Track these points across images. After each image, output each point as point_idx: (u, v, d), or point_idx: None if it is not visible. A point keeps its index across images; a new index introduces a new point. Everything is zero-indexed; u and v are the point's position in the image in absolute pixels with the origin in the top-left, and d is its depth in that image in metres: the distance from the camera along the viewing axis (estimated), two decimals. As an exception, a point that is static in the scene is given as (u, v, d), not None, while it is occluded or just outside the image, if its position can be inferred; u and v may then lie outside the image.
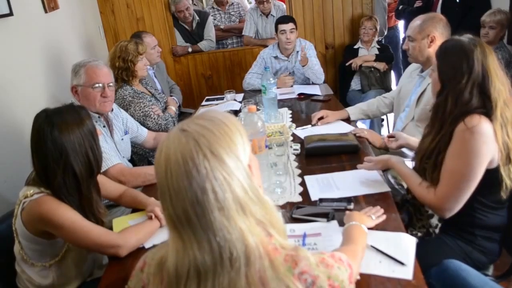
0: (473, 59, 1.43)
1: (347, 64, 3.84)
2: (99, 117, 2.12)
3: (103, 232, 1.46)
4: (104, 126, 2.15)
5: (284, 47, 3.34)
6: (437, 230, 1.60)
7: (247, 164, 0.85)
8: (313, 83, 3.36)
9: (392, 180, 2.06)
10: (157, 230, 1.57)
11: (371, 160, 1.76)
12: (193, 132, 0.82)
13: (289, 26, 3.24)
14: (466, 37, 1.51)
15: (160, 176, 0.82)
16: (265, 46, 3.75)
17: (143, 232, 1.53)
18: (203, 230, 0.80)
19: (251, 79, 3.42)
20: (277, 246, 0.85)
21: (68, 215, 1.43)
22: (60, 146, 1.44)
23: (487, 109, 1.42)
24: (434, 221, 1.61)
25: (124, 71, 2.69)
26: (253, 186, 0.84)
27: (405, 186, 1.73)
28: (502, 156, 1.43)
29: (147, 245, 1.50)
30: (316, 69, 3.29)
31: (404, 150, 2.09)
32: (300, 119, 2.67)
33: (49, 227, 1.44)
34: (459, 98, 1.44)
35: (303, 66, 3.25)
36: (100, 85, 2.06)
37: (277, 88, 2.83)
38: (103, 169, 1.94)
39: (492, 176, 1.45)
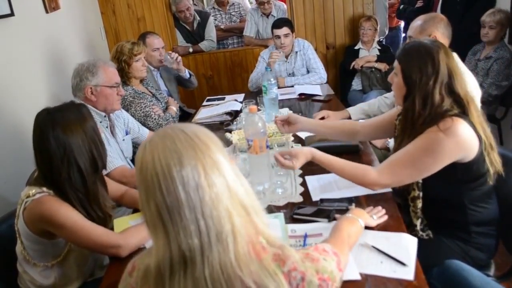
0: (438, 60, 1.45)
1: (351, 68, 3.84)
2: (104, 116, 2.13)
3: (104, 232, 1.46)
4: (107, 127, 2.16)
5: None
6: (423, 233, 1.59)
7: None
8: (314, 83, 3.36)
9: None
10: None
11: (290, 154, 1.59)
12: (177, 126, 0.88)
13: (283, 31, 3.25)
14: (427, 40, 1.54)
15: (145, 167, 0.83)
16: (266, 46, 3.76)
17: (144, 232, 1.51)
18: (191, 210, 0.81)
19: (256, 78, 3.39)
20: (264, 245, 0.86)
21: (69, 215, 1.43)
22: (63, 144, 1.44)
23: (461, 107, 1.45)
24: (417, 222, 1.60)
25: (119, 72, 2.69)
26: (237, 172, 0.88)
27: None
28: (486, 145, 1.45)
29: (147, 245, 1.50)
30: (312, 79, 3.33)
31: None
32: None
33: (50, 227, 1.44)
34: (428, 99, 1.46)
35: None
36: (118, 83, 2.13)
37: (276, 86, 2.86)
38: (105, 172, 1.95)
39: (474, 169, 1.46)
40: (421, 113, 1.47)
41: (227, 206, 0.83)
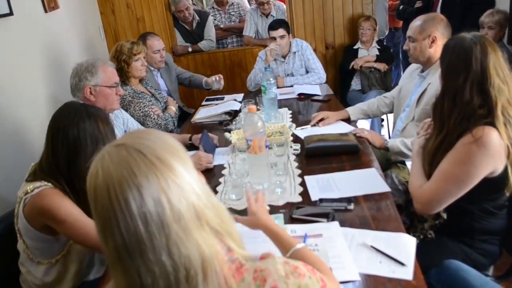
0: (471, 58, 1.42)
1: (350, 68, 3.84)
2: None
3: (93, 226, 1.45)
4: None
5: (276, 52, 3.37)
6: (431, 233, 1.58)
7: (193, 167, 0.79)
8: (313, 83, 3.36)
9: (396, 180, 2.06)
10: None
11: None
12: (132, 143, 0.74)
13: (278, 32, 3.26)
14: (469, 35, 1.49)
15: (100, 201, 0.72)
16: (265, 46, 3.74)
17: None
18: (156, 252, 0.71)
19: (255, 75, 3.39)
20: (241, 261, 0.79)
21: (71, 211, 1.42)
22: (96, 137, 1.44)
23: (488, 107, 1.40)
24: (426, 225, 1.60)
25: (118, 71, 2.69)
26: (206, 190, 0.78)
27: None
28: (510, 154, 1.40)
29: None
30: (311, 79, 3.33)
31: (404, 150, 2.09)
32: (300, 119, 2.67)
33: (51, 221, 1.42)
34: (457, 97, 1.43)
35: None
36: (117, 83, 2.12)
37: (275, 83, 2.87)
38: None
39: (496, 183, 1.43)
40: (451, 110, 1.44)
41: (196, 238, 0.73)
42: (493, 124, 1.38)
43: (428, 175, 1.53)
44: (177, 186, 0.73)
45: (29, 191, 1.43)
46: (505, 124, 1.40)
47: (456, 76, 1.43)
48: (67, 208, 1.41)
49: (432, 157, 1.53)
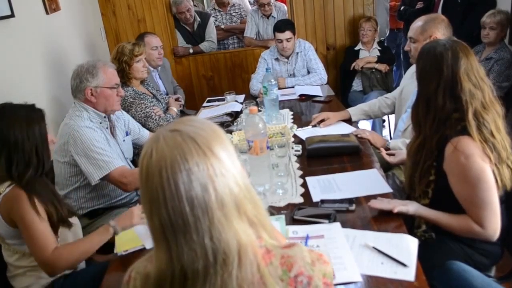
0: (442, 64, 1.44)
1: (351, 69, 3.85)
2: (104, 117, 2.13)
3: (44, 244, 1.50)
4: (107, 128, 2.16)
5: (281, 53, 3.38)
6: (433, 234, 1.58)
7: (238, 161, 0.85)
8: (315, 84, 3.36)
9: (397, 181, 2.06)
10: (99, 245, 1.60)
11: (390, 203, 1.55)
12: (188, 131, 0.80)
13: (285, 35, 3.23)
14: (443, 40, 1.52)
15: (151, 179, 0.77)
16: (266, 47, 3.75)
17: (82, 248, 1.58)
18: (199, 233, 0.76)
19: (257, 84, 3.34)
20: (269, 248, 0.83)
21: (30, 214, 1.50)
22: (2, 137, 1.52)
23: (461, 112, 1.42)
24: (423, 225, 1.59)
25: (120, 73, 2.70)
26: (247, 183, 0.83)
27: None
28: (494, 157, 1.41)
29: (148, 246, 1.50)
30: (312, 80, 3.33)
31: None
32: (301, 120, 2.67)
33: (15, 218, 1.51)
34: (430, 102, 1.46)
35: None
36: (118, 84, 2.13)
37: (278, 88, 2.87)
38: (104, 172, 1.95)
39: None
40: (425, 115, 1.47)
41: (236, 226, 0.79)
42: (466, 128, 1.41)
43: (411, 176, 1.56)
44: (223, 176, 0.78)
45: (1, 192, 1.53)
46: (478, 128, 1.41)
47: (429, 81, 1.47)
48: (28, 209, 1.50)
49: (413, 158, 1.55)
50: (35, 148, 1.56)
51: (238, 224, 0.79)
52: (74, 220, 1.72)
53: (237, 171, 0.81)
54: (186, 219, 0.76)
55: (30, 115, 1.58)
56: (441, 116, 1.45)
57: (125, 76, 2.72)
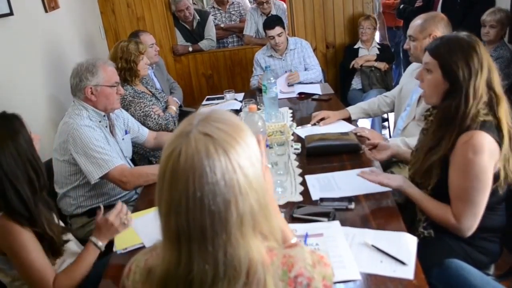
0: (481, 53, 1.41)
1: (350, 67, 3.85)
2: (104, 116, 2.13)
3: (44, 279, 1.43)
4: (106, 126, 2.16)
5: (275, 49, 3.39)
6: (432, 232, 1.58)
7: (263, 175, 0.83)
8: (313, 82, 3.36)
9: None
10: (93, 262, 1.55)
11: (378, 175, 1.60)
12: (221, 141, 0.76)
13: (276, 31, 3.25)
14: (463, 34, 1.49)
15: (176, 184, 0.75)
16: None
17: (78, 275, 1.52)
18: (214, 246, 0.76)
19: (255, 82, 3.42)
20: (271, 247, 0.83)
21: (18, 242, 1.40)
22: None
23: (491, 106, 1.41)
24: (422, 219, 1.60)
25: (127, 72, 2.70)
26: (266, 201, 0.81)
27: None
28: (504, 153, 1.40)
29: (147, 244, 1.50)
30: (311, 77, 3.34)
31: (405, 149, 2.08)
32: (300, 118, 2.67)
33: (6, 252, 1.43)
34: (470, 96, 1.40)
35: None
36: (117, 83, 2.13)
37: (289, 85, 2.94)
38: (104, 171, 1.95)
39: (494, 176, 1.43)
40: (464, 110, 1.41)
41: (250, 244, 0.78)
42: (485, 125, 1.39)
43: (418, 171, 1.55)
44: (247, 195, 0.76)
45: None
46: (506, 118, 1.43)
47: (471, 74, 1.41)
48: (17, 236, 1.40)
49: (425, 154, 1.53)
50: (29, 163, 1.44)
51: (252, 240, 0.79)
52: (68, 236, 1.65)
53: (260, 187, 0.79)
54: (204, 231, 0.75)
55: (11, 127, 1.46)
56: (473, 112, 1.41)
57: (133, 75, 2.72)
